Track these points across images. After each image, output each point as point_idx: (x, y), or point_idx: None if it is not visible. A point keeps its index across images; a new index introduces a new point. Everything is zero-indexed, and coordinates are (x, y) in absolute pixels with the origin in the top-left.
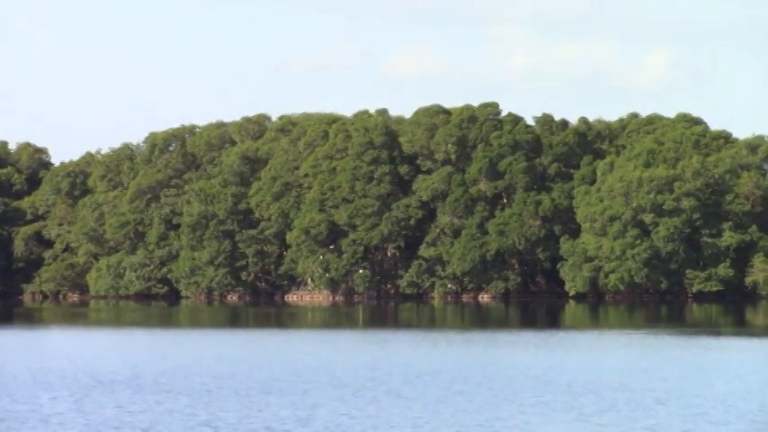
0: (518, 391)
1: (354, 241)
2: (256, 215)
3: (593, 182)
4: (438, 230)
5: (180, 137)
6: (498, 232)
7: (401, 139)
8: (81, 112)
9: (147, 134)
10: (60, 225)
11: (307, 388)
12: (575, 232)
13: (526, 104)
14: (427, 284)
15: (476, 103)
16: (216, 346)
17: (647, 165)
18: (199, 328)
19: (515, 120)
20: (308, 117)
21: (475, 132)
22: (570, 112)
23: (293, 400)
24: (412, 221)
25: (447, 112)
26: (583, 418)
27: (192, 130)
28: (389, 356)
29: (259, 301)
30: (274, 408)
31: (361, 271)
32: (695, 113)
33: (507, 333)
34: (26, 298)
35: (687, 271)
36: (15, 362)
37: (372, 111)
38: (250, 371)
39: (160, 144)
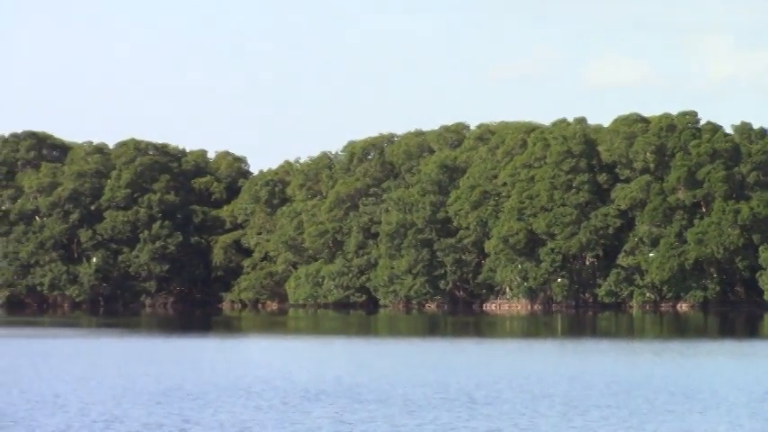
0: (727, 402)
1: (553, 250)
2: (455, 224)
3: None
4: (636, 239)
5: (378, 145)
6: (697, 241)
7: (600, 148)
8: (279, 121)
9: (345, 143)
10: (259, 234)
11: (509, 397)
12: None
13: (724, 113)
14: (625, 293)
15: (674, 112)
16: (417, 355)
17: None
18: (398, 337)
19: (714, 128)
20: (506, 125)
21: (673, 141)
22: None
23: (501, 411)
24: (610, 230)
25: (645, 120)
26: None
27: (390, 138)
28: (592, 366)
29: (457, 309)
30: (482, 418)
31: (559, 280)
32: None
33: (708, 342)
34: (225, 306)
35: None
36: (216, 371)
37: (571, 119)
38: (455, 380)
39: (359, 153)
